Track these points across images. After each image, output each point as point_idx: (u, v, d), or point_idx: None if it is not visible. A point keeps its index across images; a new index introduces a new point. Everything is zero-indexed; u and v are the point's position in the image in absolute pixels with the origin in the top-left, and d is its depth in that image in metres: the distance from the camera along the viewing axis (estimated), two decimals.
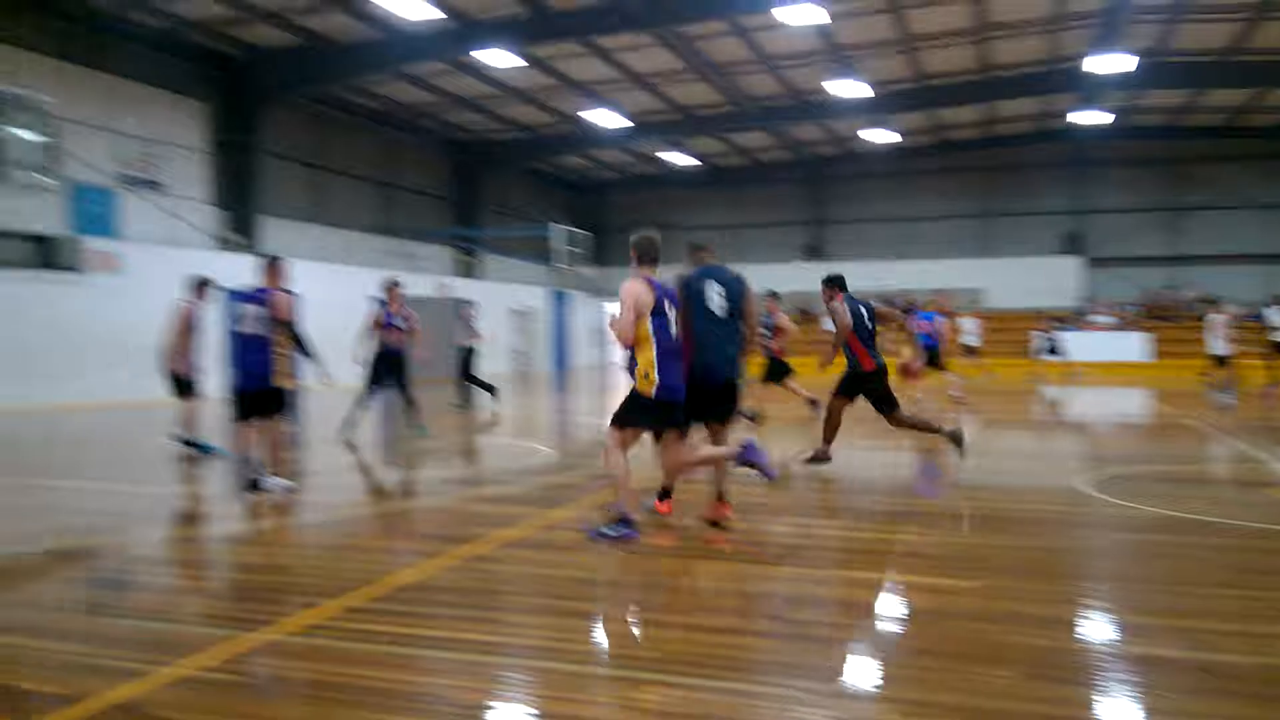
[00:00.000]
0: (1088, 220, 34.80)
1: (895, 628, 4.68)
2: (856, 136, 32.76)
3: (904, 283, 35.34)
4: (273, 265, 8.25)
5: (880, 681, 3.89)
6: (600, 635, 4.58)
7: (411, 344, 11.90)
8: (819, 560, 5.87)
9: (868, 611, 4.88)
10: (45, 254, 17.98)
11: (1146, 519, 7.09)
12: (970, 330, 23.72)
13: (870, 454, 11.58)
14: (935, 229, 36.32)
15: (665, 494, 6.84)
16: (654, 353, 6.06)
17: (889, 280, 35.68)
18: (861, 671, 4.00)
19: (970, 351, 23.05)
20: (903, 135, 32.52)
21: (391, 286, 11.76)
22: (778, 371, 13.84)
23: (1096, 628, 4.62)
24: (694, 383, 6.33)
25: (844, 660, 4.11)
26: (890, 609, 4.96)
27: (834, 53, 23.42)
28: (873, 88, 25.72)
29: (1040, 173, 35.10)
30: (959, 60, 24.81)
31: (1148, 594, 5.18)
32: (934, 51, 23.90)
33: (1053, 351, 24.77)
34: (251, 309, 7.94)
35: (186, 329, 10.32)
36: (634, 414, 6.22)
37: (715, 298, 6.48)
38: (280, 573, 5.81)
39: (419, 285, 27.24)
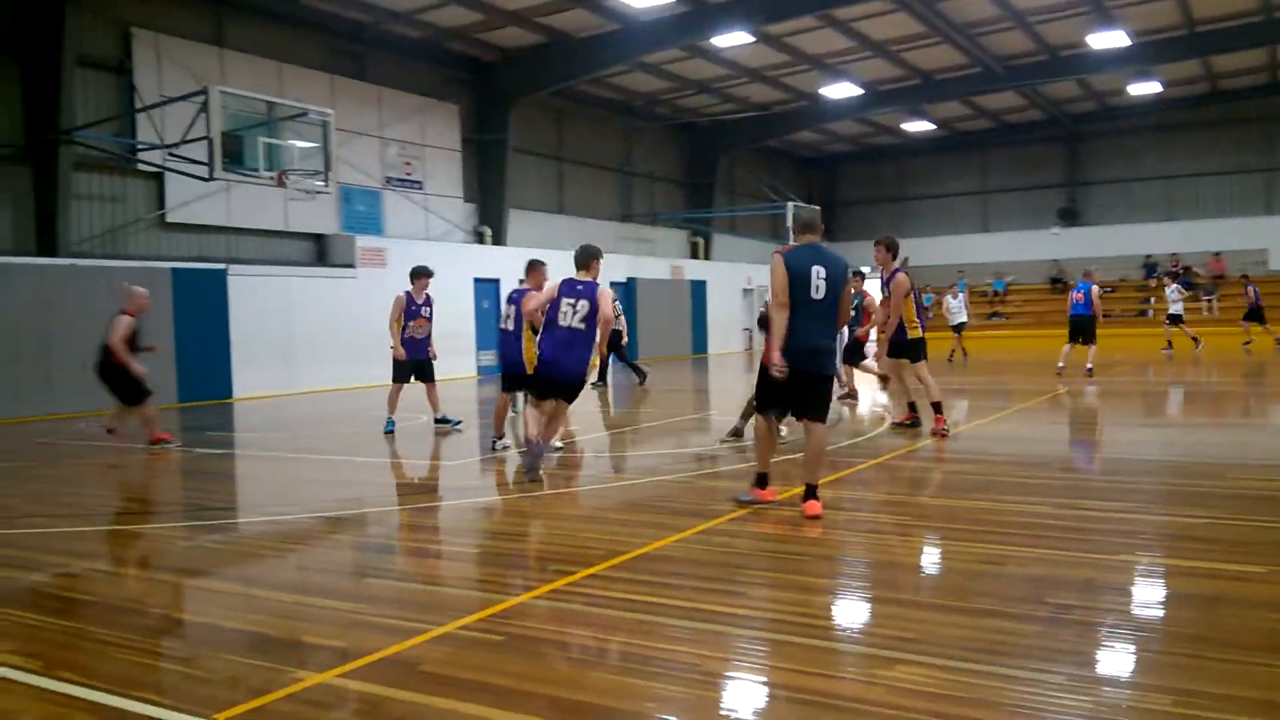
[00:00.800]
0: None
1: (1168, 613, 4.30)
2: (1117, 91, 30.25)
3: (1175, 245, 32.42)
4: (532, 267, 9.20)
5: (1149, 668, 3.58)
6: (848, 612, 4.49)
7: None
8: (1083, 542, 5.47)
9: (1137, 596, 4.51)
10: (322, 252, 19.80)
11: None
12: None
13: (1129, 431, 10.72)
14: (1210, 186, 32.92)
15: (760, 480, 6.54)
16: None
17: (1158, 243, 32.83)
18: (1129, 658, 3.70)
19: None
20: (1168, 86, 29.69)
21: (421, 275, 11.49)
22: (854, 352, 13.19)
23: None
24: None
25: (1110, 646, 3.82)
26: (1162, 594, 4.56)
27: (1092, 3, 21.69)
28: (1135, 37, 23.64)
29: None
30: (1235, 2, 22.31)
31: None
32: None
33: None
34: (511, 308, 9.62)
35: (400, 315, 11.08)
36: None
37: (816, 280, 6.12)
38: (527, 540, 6.10)
39: (654, 269, 27.82)
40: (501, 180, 23.57)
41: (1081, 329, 16.27)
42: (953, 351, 22.20)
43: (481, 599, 4.69)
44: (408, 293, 11.19)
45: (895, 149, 37.14)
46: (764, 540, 5.74)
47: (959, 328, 22.41)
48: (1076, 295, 16.47)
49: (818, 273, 6.13)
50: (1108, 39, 23.51)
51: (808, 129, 32.36)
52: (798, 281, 6.12)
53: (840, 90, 27.36)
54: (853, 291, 9.24)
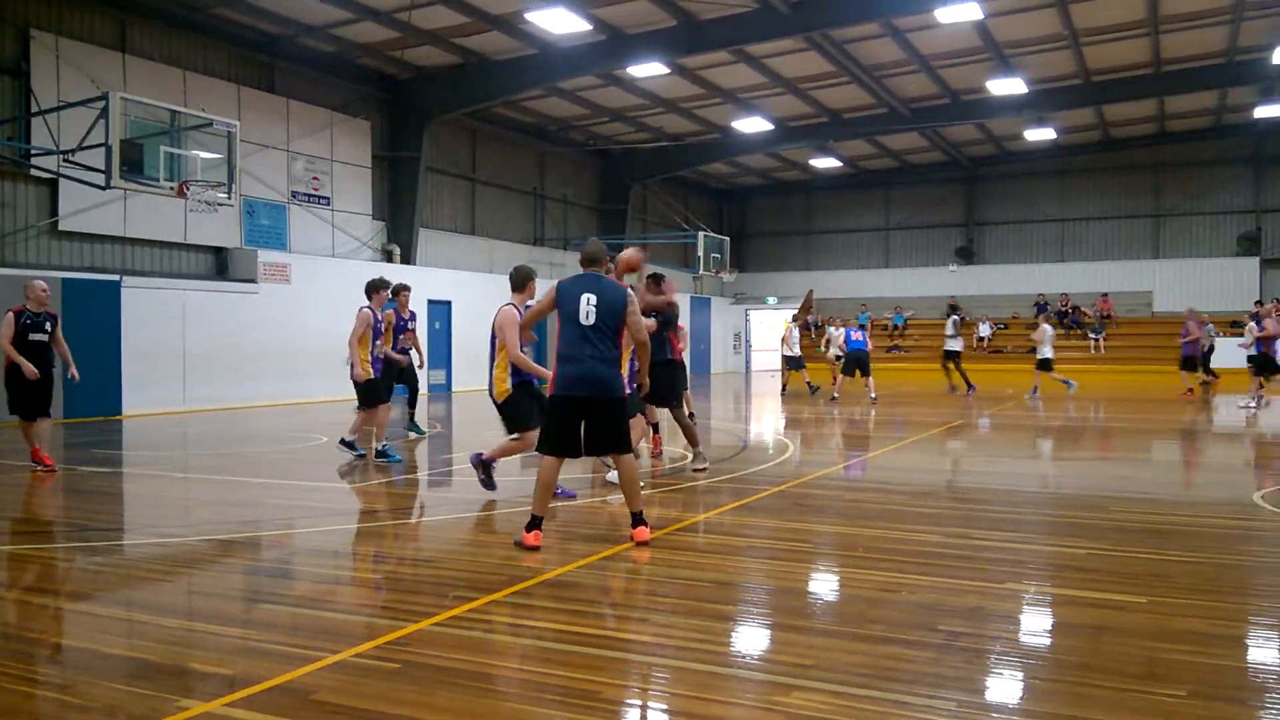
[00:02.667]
0: (1268, 219, 32.43)
1: (1054, 641, 4.46)
2: (1013, 135, 31.55)
3: (1066, 285, 33.83)
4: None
5: (1036, 696, 3.70)
6: (744, 639, 4.54)
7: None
8: (976, 571, 5.65)
9: (1025, 624, 4.67)
10: (223, 265, 19.27)
11: None
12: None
13: (1020, 464, 11.12)
14: (1101, 229, 34.54)
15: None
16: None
17: (1050, 283, 34.22)
18: (1017, 685, 3.82)
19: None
20: (1063, 133, 31.11)
21: (402, 290, 11.88)
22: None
23: (1275, 646, 4.28)
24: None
25: (1000, 673, 3.94)
26: (1049, 622, 4.73)
27: (993, 50, 22.61)
28: (1032, 85, 24.72)
29: (1214, 169, 32.92)
30: (1128, 54, 23.54)
31: None
32: (1101, 46, 22.75)
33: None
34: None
35: (366, 333, 10.45)
36: None
37: (586, 306, 6.15)
38: (428, 566, 6.00)
39: None
40: (413, 199, 23.33)
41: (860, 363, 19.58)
42: (825, 382, 22.54)
43: (378, 625, 4.60)
44: (371, 309, 10.54)
45: (804, 184, 37.99)
46: (667, 566, 5.77)
47: (838, 359, 22.23)
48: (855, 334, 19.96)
49: (588, 299, 6.15)
50: (1007, 85, 24.51)
51: (720, 161, 32.87)
52: (567, 307, 6.20)
53: (752, 124, 27.90)
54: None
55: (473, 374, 23.89)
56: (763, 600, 5.22)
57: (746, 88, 25.20)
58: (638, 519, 6.24)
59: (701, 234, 29.21)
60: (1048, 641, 4.49)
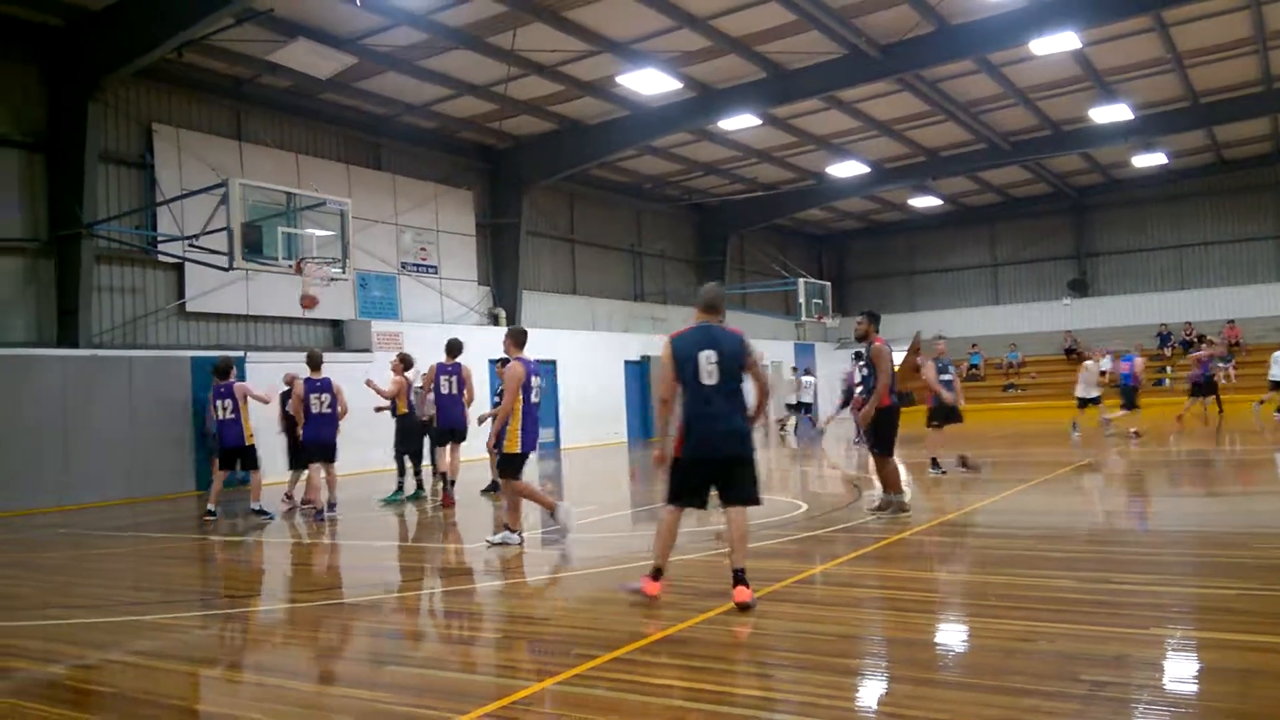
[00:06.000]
0: None
1: (1202, 688, 4.20)
2: (1120, 163, 30.61)
3: (1188, 314, 32.42)
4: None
5: None
6: (872, 694, 4.40)
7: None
8: (1115, 617, 5.39)
9: (1172, 671, 4.41)
10: (340, 337, 19.99)
11: None
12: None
13: (1153, 502, 10.60)
14: (1220, 254, 33.06)
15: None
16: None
17: (1171, 312, 32.85)
18: None
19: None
20: (1174, 157, 30.01)
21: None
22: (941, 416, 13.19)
23: None
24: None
25: None
26: (1196, 668, 4.47)
27: (1094, 78, 22.08)
28: (1138, 110, 24.00)
29: None
30: (1236, 73, 22.69)
31: None
32: (1207, 67, 22.00)
33: None
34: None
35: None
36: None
37: (706, 365, 5.92)
38: (547, 624, 6.02)
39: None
40: (515, 263, 23.89)
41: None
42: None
43: (504, 685, 4.63)
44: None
45: (903, 224, 37.51)
46: (790, 621, 5.66)
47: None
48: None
49: (708, 357, 5.95)
50: (1111, 112, 23.86)
51: (816, 207, 32.77)
52: (685, 367, 5.98)
53: (847, 169, 27.78)
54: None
55: (579, 430, 24.15)
56: (889, 653, 5.06)
57: (840, 133, 25.14)
58: (739, 577, 5.85)
59: (801, 281, 29.05)
60: (1196, 688, 4.24)
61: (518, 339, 8.80)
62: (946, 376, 13.20)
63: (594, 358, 25.30)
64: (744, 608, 5.71)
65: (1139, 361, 19.33)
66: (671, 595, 6.38)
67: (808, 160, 27.44)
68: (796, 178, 29.24)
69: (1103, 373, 21.50)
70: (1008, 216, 36.07)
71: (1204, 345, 21.41)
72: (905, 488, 9.55)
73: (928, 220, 36.69)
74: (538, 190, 24.67)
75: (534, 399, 8.74)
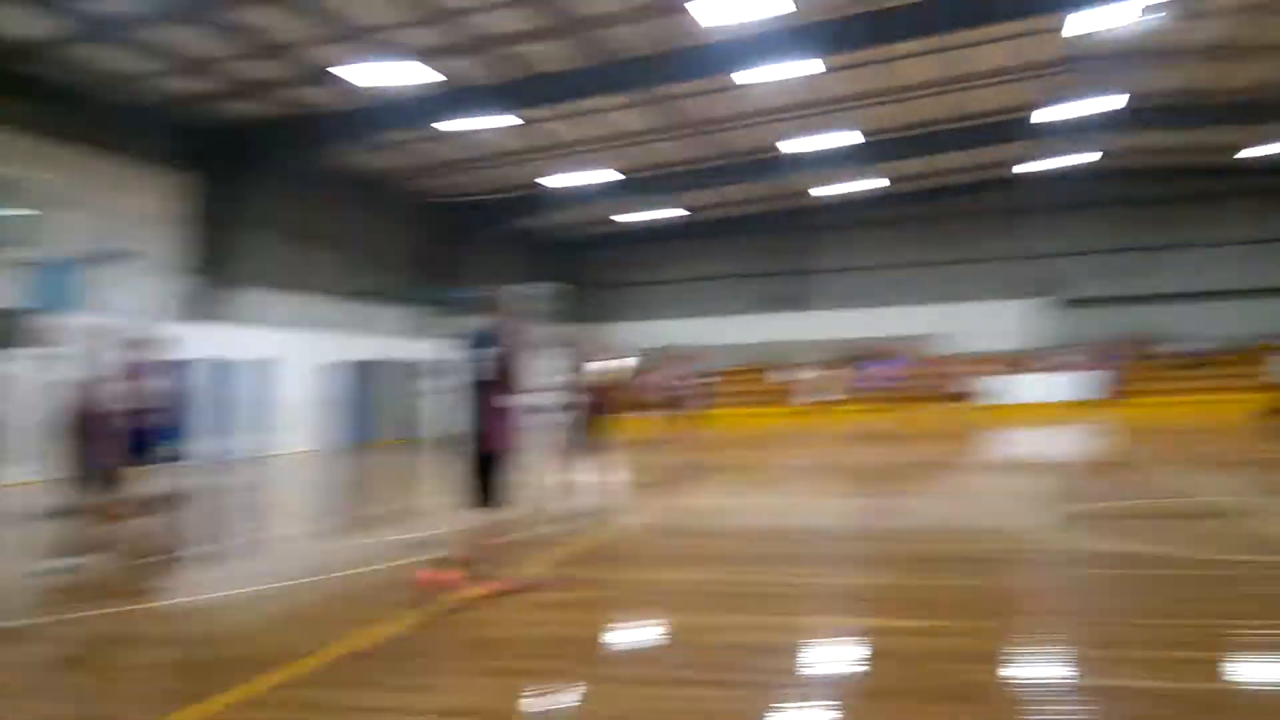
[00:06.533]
0: (1062, 263, 35.20)
1: (856, 670, 4.65)
2: (838, 186, 33.19)
3: (888, 330, 35.62)
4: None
5: None
6: (552, 695, 4.52)
7: None
8: (768, 607, 5.85)
9: (823, 656, 4.85)
10: (8, 330, 17.92)
11: (1099, 553, 7.13)
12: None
13: (811, 500, 11.57)
14: (915, 275, 36.72)
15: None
16: None
17: (874, 327, 35.99)
18: (818, 716, 3.97)
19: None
20: (889, 182, 32.96)
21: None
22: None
23: (1052, 660, 4.61)
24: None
25: (800, 706, 4.08)
26: (849, 652, 4.93)
27: (820, 105, 23.81)
28: (858, 137, 26.20)
29: (1011, 217, 35.60)
30: (935, 110, 25.26)
31: (1100, 625, 5.19)
32: (913, 102, 24.35)
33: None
34: None
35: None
36: None
37: (470, 361, 6.31)
38: (214, 645, 5.71)
39: (391, 349, 27.32)
40: (232, 255, 22.49)
41: None
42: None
43: (163, 712, 4.36)
44: None
45: (637, 234, 38.75)
46: (476, 628, 5.67)
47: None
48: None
49: (472, 355, 6.34)
50: (831, 139, 25.91)
51: (551, 213, 33.20)
52: (461, 363, 6.35)
53: (583, 177, 28.34)
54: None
55: (297, 435, 23.05)
56: (572, 653, 5.21)
57: (582, 140, 25.62)
58: (456, 564, 6.28)
59: (539, 286, 29.32)
60: (855, 670, 4.67)
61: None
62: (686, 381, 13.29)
63: (315, 358, 24.24)
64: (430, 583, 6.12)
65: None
66: (359, 607, 6.26)
67: (548, 166, 27.73)
68: (536, 183, 29.48)
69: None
70: (735, 232, 38.16)
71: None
72: (589, 493, 9.84)
73: (662, 231, 38.08)
74: (259, 179, 23.35)
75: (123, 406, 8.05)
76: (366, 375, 26.21)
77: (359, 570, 7.53)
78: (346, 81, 19.51)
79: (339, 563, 8.07)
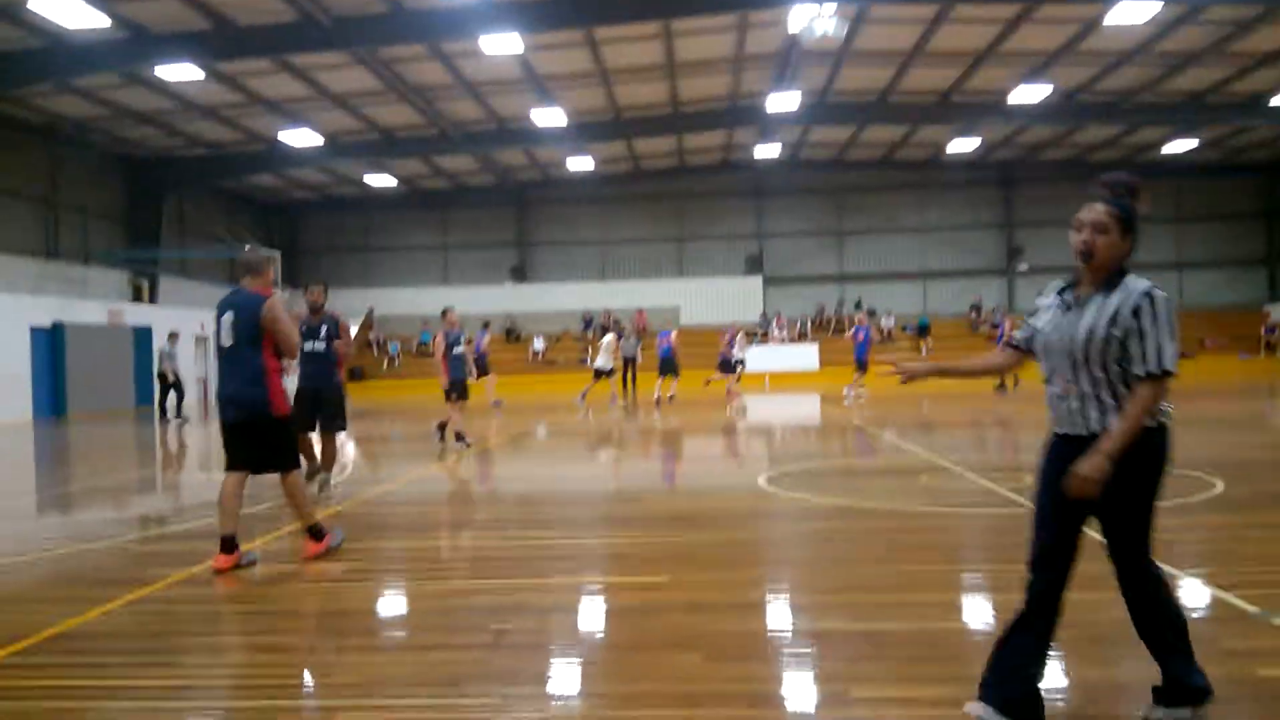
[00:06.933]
0: (767, 243, 37.70)
1: (597, 625, 4.81)
2: (559, 163, 33.56)
3: (607, 302, 36.59)
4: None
5: (581, 678, 3.98)
6: (291, 667, 4.36)
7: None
8: (517, 570, 5.94)
9: (566, 614, 4.98)
10: None
11: (815, 508, 7.79)
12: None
13: (571, 466, 11.85)
14: (634, 252, 37.94)
15: (311, 531, 6.31)
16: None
17: (594, 300, 36.80)
18: (565, 671, 4.08)
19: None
20: (601, 163, 33.71)
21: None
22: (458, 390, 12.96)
23: (774, 609, 4.99)
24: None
25: (548, 662, 4.18)
26: (590, 609, 5.10)
27: (534, 82, 23.86)
28: (571, 117, 26.48)
29: (725, 199, 37.64)
30: (652, 94, 26.08)
31: (817, 575, 5.68)
32: (627, 85, 24.97)
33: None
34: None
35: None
36: None
37: (224, 327, 6.05)
38: None
39: (87, 313, 24.84)
40: None
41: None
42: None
43: None
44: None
45: (360, 200, 37.38)
46: (204, 604, 5.37)
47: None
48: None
49: (226, 319, 6.03)
50: (549, 116, 26.02)
51: (267, 173, 31.28)
52: (216, 331, 6.10)
53: (300, 137, 26.91)
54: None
55: None
56: (309, 626, 5.05)
57: (292, 98, 24.27)
58: (311, 532, 6.23)
59: (247, 248, 27.56)
60: (584, 626, 4.82)
61: None
62: (458, 350, 12.80)
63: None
64: (310, 559, 6.12)
65: (673, 335, 22.27)
66: (70, 588, 5.72)
67: (257, 123, 26.08)
68: (245, 139, 27.63)
69: (536, 353, 23.36)
70: (459, 203, 37.71)
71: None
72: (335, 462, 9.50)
73: (384, 199, 36.98)
74: None
75: None
76: (65, 340, 23.66)
77: (77, 547, 6.84)
78: (26, 17, 17.39)
79: (54, 539, 7.32)
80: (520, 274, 37.99)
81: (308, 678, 4.18)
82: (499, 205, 37.87)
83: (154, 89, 22.45)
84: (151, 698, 3.86)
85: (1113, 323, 3.05)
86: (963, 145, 32.43)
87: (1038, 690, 3.18)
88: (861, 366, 21.42)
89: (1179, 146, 32.68)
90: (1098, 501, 3.10)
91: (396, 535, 7.36)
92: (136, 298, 28.62)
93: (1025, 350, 3.41)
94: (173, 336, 21.86)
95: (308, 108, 25.01)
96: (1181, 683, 3.19)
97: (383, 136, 28.21)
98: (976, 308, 36.33)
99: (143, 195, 29.07)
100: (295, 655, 4.50)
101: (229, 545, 5.94)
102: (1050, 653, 3.22)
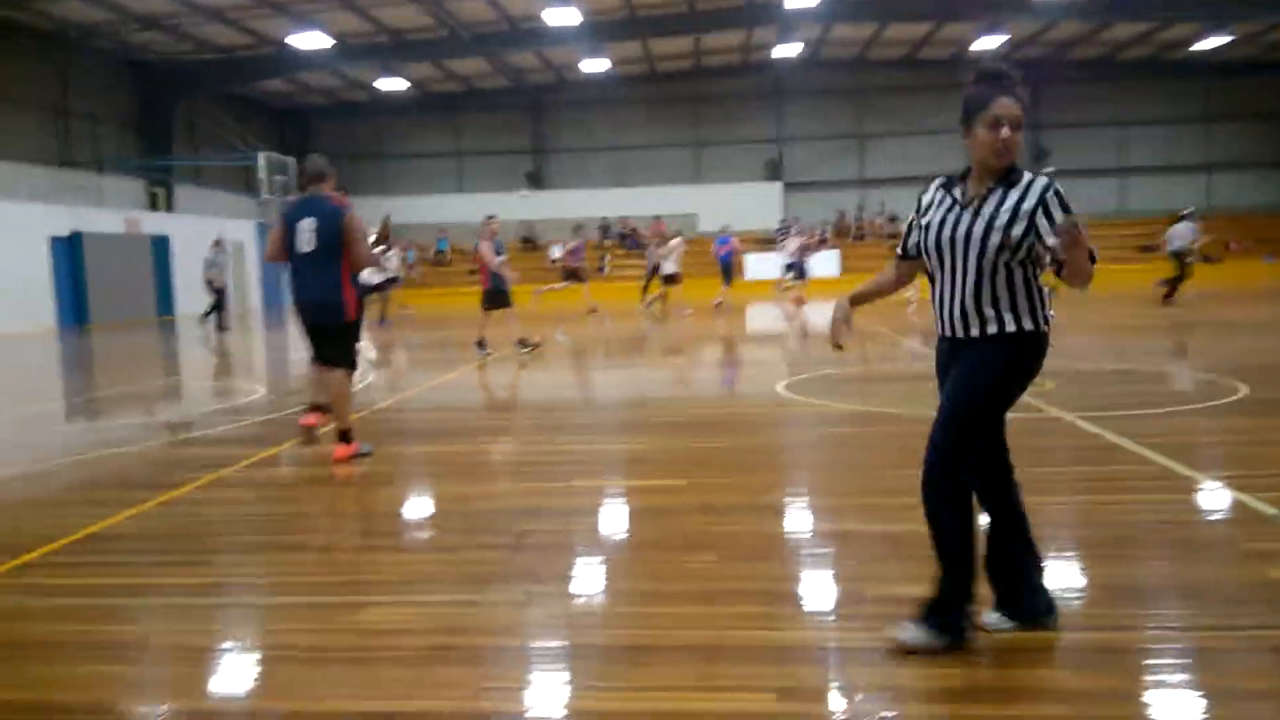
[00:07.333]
0: (786, 147, 37.01)
1: (617, 527, 4.88)
2: (573, 65, 32.85)
3: (624, 210, 36.20)
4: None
5: (601, 577, 4.05)
6: (319, 565, 4.45)
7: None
8: (539, 474, 6.00)
9: (586, 516, 5.04)
10: None
11: (833, 414, 7.80)
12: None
13: (589, 374, 11.89)
14: (650, 156, 37.32)
15: (342, 435, 6.43)
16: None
17: (611, 207, 36.42)
18: (586, 570, 4.15)
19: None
20: (616, 65, 32.96)
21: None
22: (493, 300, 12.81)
23: (791, 511, 5.04)
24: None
25: (570, 562, 4.25)
26: (610, 512, 5.16)
27: None
28: (585, 15, 25.82)
29: (744, 103, 36.81)
30: None
31: (835, 479, 5.72)
32: None
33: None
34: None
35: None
36: None
37: (305, 233, 6.17)
38: None
39: (103, 221, 24.84)
40: None
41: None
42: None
43: None
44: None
45: (371, 105, 36.78)
46: (231, 506, 5.47)
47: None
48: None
49: (307, 224, 6.15)
50: (561, 15, 25.37)
51: (278, 78, 30.80)
52: (291, 236, 6.20)
53: (310, 40, 26.39)
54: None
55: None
56: (340, 527, 5.15)
57: (301, 0, 23.73)
58: (343, 436, 6.36)
59: (262, 155, 27.35)
60: (604, 528, 4.89)
61: None
62: (502, 257, 12.58)
63: (7, 233, 21.55)
64: (341, 463, 6.22)
65: (735, 241, 21.88)
66: (102, 491, 5.83)
67: (266, 25, 25.56)
68: (254, 43, 27.14)
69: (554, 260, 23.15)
70: (472, 108, 37.06)
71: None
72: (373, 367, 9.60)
73: (395, 103, 36.36)
74: None
75: None
76: (84, 250, 23.74)
77: (110, 452, 6.97)
78: None
79: (86, 445, 7.46)
80: (536, 180, 37.55)
81: (335, 576, 4.27)
82: (513, 110, 37.21)
83: None
84: (182, 594, 3.96)
85: (1014, 217, 2.92)
86: (988, 43, 31.49)
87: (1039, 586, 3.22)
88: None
89: (1210, 43, 31.61)
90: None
91: (420, 440, 7.45)
92: (153, 206, 28.55)
93: (917, 256, 3.26)
94: (218, 244, 21.30)
95: (316, 9, 24.47)
96: (939, 604, 3.08)
97: (392, 38, 27.65)
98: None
99: (154, 102, 28.72)
100: (322, 554, 4.60)
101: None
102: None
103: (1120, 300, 20.12)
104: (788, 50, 31.75)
